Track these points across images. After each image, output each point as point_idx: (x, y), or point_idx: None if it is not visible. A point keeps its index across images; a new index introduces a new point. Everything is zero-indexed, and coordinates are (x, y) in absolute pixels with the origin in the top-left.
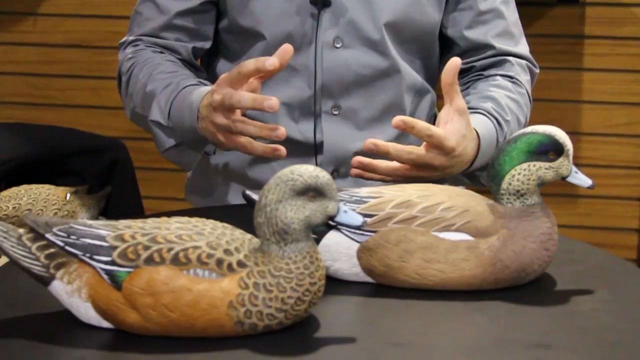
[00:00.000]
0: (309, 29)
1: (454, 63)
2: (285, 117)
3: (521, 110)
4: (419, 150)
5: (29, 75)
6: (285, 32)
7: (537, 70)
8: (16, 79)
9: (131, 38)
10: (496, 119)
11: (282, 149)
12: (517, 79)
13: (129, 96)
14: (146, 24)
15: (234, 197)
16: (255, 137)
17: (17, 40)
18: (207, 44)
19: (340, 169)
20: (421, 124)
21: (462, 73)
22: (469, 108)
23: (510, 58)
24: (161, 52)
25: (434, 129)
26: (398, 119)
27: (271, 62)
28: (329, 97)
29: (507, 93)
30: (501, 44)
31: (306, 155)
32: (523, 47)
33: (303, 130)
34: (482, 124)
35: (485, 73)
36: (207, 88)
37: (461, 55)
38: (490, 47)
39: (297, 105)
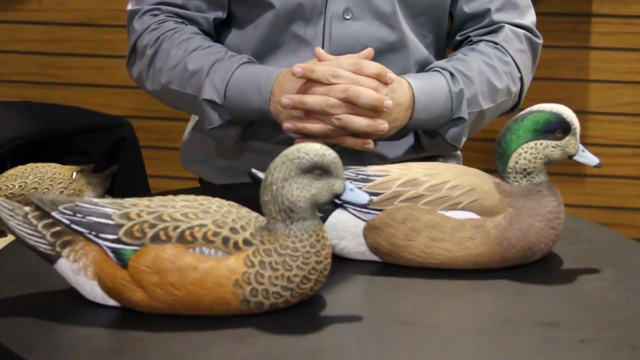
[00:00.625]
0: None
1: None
2: None
3: (497, 75)
4: (357, 90)
5: (34, 54)
6: (295, 2)
7: (540, 41)
8: (22, 57)
9: (147, 7)
10: (450, 72)
11: (372, 143)
12: (502, 46)
13: (157, 71)
14: None
15: (234, 164)
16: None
17: (23, 18)
18: (224, 14)
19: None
20: (322, 67)
21: (458, 46)
22: (426, 71)
23: (505, 26)
24: (183, 23)
25: (340, 71)
26: (296, 67)
27: (391, 76)
28: None
29: (483, 57)
30: (502, 15)
31: None
32: (528, 19)
33: None
34: (417, 76)
35: (475, 39)
36: (273, 68)
37: (460, 27)
38: (486, 14)
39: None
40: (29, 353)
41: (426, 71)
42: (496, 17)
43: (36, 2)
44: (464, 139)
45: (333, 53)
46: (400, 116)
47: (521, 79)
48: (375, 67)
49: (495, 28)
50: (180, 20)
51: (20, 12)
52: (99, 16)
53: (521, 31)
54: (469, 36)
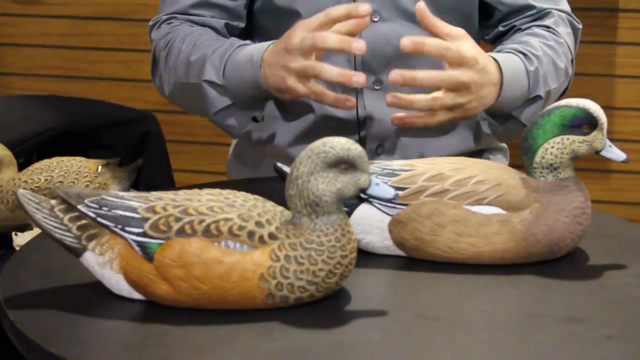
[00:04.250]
0: (345, 4)
1: (420, 6)
2: None
3: (558, 55)
4: (446, 72)
5: (60, 48)
6: (322, 8)
7: (580, 26)
8: (48, 51)
9: (164, 17)
10: (522, 52)
11: (353, 100)
12: (553, 29)
13: (169, 70)
14: (179, 1)
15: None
16: (328, 86)
17: (49, 12)
18: (241, 24)
19: (385, 144)
20: (432, 40)
21: (503, 35)
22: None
23: (553, 10)
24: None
25: (448, 43)
26: (406, 40)
27: (365, 8)
28: (370, 73)
29: (541, 39)
30: (541, 4)
31: (349, 132)
32: (564, 5)
33: None
34: (498, 55)
35: (523, 27)
36: (268, 43)
37: (502, 19)
38: (530, 7)
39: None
40: (54, 346)
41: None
42: (540, 4)
43: None
44: None
45: (365, 56)
46: (490, 93)
47: (572, 61)
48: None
49: (542, 14)
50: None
51: (46, 6)
52: (124, 10)
53: (564, 15)
54: (515, 25)
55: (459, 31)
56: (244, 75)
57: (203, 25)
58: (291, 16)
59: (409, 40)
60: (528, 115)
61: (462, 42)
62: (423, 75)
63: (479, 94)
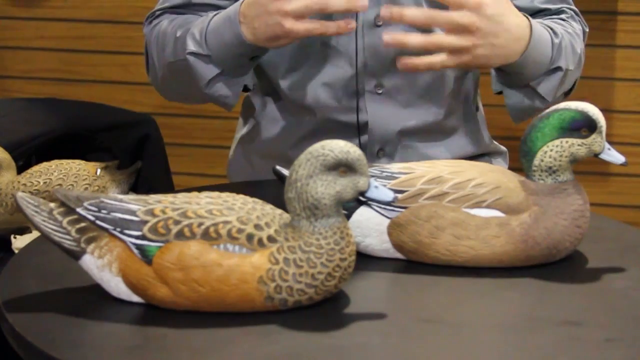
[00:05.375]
0: None
1: None
2: (328, 98)
3: (575, 41)
4: (440, 12)
5: (59, 51)
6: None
7: (587, 29)
8: (46, 54)
9: (157, 12)
10: (548, 26)
11: (353, 22)
12: (569, 22)
13: (158, 54)
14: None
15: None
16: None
17: (48, 15)
18: None
19: (386, 147)
20: None
21: None
22: None
23: (565, 8)
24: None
25: None
26: (384, 11)
27: (363, 3)
28: (372, 76)
29: (560, 25)
30: (554, 5)
31: (349, 135)
32: (574, 7)
33: (346, 111)
34: (528, 17)
35: None
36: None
37: None
38: (544, 10)
39: (339, 85)
40: (53, 349)
41: None
42: (554, 6)
43: None
44: (555, 94)
45: (367, 59)
46: (508, 44)
47: (581, 57)
48: None
49: (555, 12)
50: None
51: (45, 9)
52: (124, 13)
53: (575, 16)
54: None
55: None
56: (226, 37)
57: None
58: None
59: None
60: (546, 87)
61: None
62: (413, 11)
63: (489, 40)
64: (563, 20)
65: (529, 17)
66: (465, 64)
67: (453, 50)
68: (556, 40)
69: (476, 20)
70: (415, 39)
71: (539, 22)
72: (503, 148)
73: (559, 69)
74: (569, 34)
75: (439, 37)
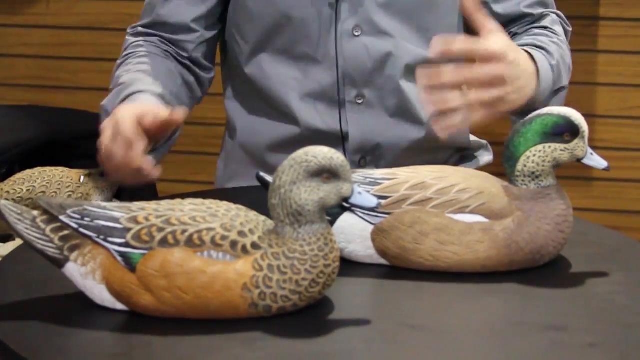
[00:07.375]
0: (327, 18)
1: None
2: (309, 108)
3: (564, 52)
4: (477, 67)
5: (41, 58)
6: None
7: (570, 29)
8: (29, 61)
9: (140, 29)
10: (540, 47)
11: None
12: (551, 29)
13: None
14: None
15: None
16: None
17: (30, 22)
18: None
19: (367, 157)
20: (460, 41)
21: None
22: None
23: (549, 13)
24: (159, 47)
25: (477, 41)
26: (435, 48)
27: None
28: (352, 86)
29: (548, 38)
30: (536, 10)
31: (332, 145)
32: (555, 9)
33: (327, 121)
34: (526, 49)
35: (520, 31)
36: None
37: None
38: (526, 15)
39: (320, 95)
40: (37, 357)
41: None
42: (536, 11)
43: (44, 6)
44: None
45: (347, 69)
46: (528, 83)
47: (569, 65)
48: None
49: (538, 18)
50: (165, 47)
51: (27, 16)
52: (107, 20)
53: (557, 18)
54: (512, 31)
55: (494, 25)
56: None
57: (171, 42)
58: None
59: (439, 41)
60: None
61: (492, 38)
62: (450, 73)
63: (516, 85)
64: (545, 28)
65: (526, 49)
66: (498, 113)
67: (489, 103)
68: (553, 62)
69: (505, 68)
70: (455, 101)
71: (531, 47)
72: (483, 141)
73: (562, 88)
74: (558, 46)
75: (477, 94)
